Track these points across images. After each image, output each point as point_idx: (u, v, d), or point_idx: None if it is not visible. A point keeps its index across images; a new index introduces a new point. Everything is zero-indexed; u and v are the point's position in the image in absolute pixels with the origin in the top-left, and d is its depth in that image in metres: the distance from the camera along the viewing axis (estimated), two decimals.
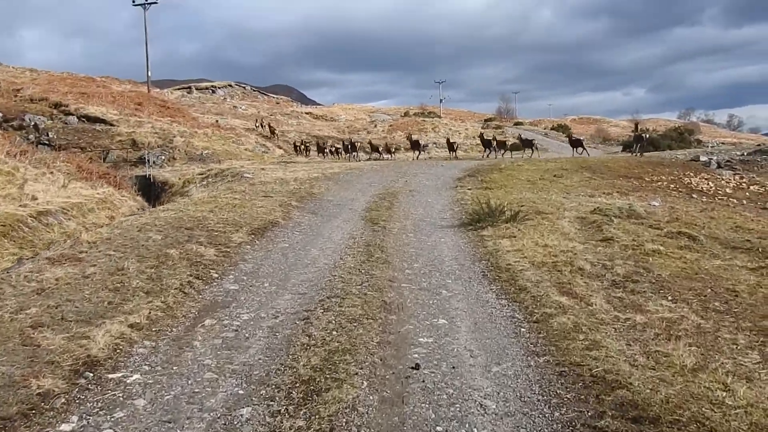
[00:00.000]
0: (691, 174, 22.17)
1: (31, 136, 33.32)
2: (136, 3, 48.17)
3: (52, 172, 18.87)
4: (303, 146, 39.40)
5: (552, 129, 67.25)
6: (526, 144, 34.74)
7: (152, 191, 25.99)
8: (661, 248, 9.73)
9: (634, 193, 18.02)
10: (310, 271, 7.92)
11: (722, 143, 58.46)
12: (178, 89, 75.30)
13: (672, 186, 20.05)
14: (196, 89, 76.48)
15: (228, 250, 8.68)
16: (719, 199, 18.74)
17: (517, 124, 75.86)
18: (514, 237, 9.86)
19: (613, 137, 71.07)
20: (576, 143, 33.43)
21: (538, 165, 23.20)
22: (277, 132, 45.64)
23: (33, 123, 34.03)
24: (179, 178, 25.38)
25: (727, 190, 20.01)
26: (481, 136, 38.32)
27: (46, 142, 32.89)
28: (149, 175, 27.23)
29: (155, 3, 48.13)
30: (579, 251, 9.15)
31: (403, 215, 12.53)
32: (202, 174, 24.70)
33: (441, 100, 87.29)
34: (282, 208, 12.55)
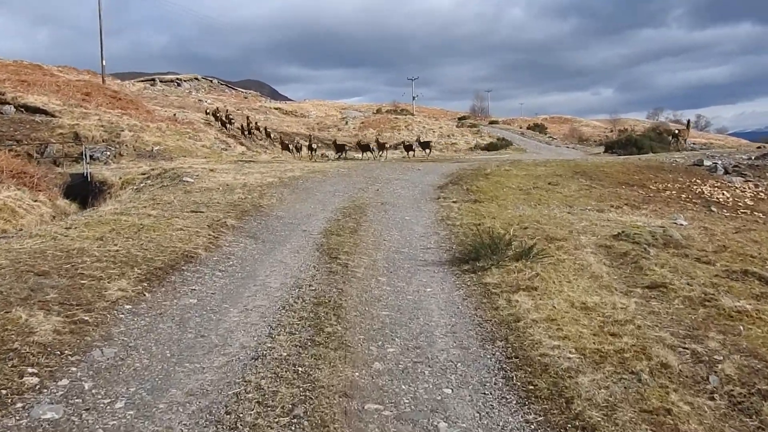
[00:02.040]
0: (698, 181, 19.20)
1: None
2: None
3: None
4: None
5: (528, 128, 64.45)
6: (424, 146, 36.53)
7: (90, 192, 22.29)
8: (745, 305, 6.56)
9: (645, 206, 14.95)
10: (211, 368, 4.52)
11: (693, 143, 56.27)
12: (141, 81, 70.61)
13: (684, 196, 17.03)
14: (161, 81, 71.85)
15: (87, 317, 5.23)
16: (742, 212, 15.76)
17: (492, 122, 72.90)
18: (534, 289, 6.56)
19: (587, 137, 68.68)
20: (425, 145, 36.41)
21: (528, 170, 20.03)
22: (259, 130, 41.80)
23: None
24: (120, 178, 21.64)
25: (747, 201, 17.05)
26: (358, 142, 36.37)
27: None
28: (87, 173, 23.44)
29: None
30: (636, 315, 5.92)
31: (372, 242, 9.17)
32: (144, 174, 20.99)
33: (414, 98, 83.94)
34: (210, 231, 9.09)
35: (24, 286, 5.69)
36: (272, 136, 40.69)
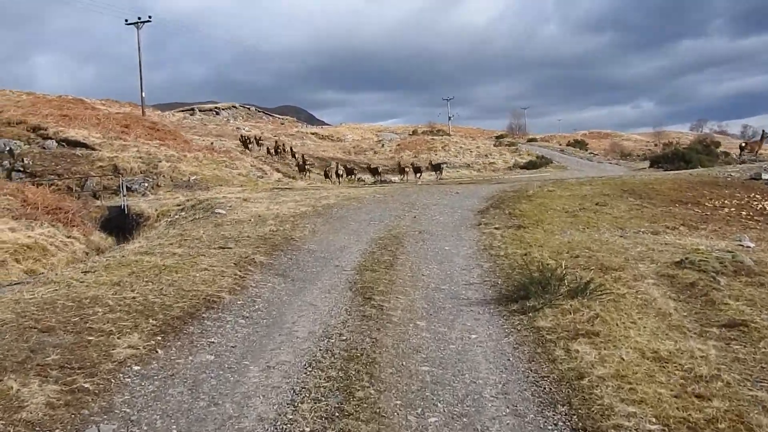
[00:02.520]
0: (758, 196, 17.91)
1: (6, 162, 29.76)
2: (129, 22, 44.79)
3: None
4: (335, 172, 35.35)
5: (568, 145, 62.98)
6: (435, 168, 36.66)
7: (127, 224, 22.14)
8: None
9: (703, 226, 13.88)
10: None
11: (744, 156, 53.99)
12: (181, 111, 71.76)
13: (744, 213, 15.83)
14: (200, 111, 72.91)
15: (88, 384, 4.59)
16: None
17: (530, 140, 71.60)
18: (596, 335, 5.71)
19: (630, 151, 66.79)
20: (436, 167, 36.47)
21: (572, 189, 19.05)
22: (285, 150, 41.82)
23: (8, 148, 30.33)
24: (156, 210, 21.41)
25: None
26: (398, 165, 38.45)
27: (21, 169, 29.22)
28: (124, 205, 23.31)
29: (149, 21, 44.69)
30: (720, 365, 5.03)
31: (410, 278, 8.42)
32: (179, 205, 20.69)
33: (450, 118, 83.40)
34: (237, 270, 8.47)
35: (24, 346, 5.11)
36: (308, 161, 40.38)
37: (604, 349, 5.34)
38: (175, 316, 6.28)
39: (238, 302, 7.16)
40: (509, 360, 5.39)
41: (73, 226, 16.76)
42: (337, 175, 34.96)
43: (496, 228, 12.27)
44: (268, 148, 40.76)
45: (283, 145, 42.72)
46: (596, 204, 15.99)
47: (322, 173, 40.01)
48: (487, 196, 18.07)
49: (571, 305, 6.57)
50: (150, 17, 44.82)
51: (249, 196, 21.37)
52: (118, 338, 5.49)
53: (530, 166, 45.03)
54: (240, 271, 8.49)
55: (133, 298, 6.66)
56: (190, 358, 5.37)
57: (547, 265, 8.25)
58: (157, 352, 5.40)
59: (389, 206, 16.20)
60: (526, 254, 9.34)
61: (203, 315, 6.50)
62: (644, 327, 6.08)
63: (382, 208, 15.73)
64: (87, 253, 14.86)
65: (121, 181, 25.68)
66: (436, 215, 14.45)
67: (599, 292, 6.96)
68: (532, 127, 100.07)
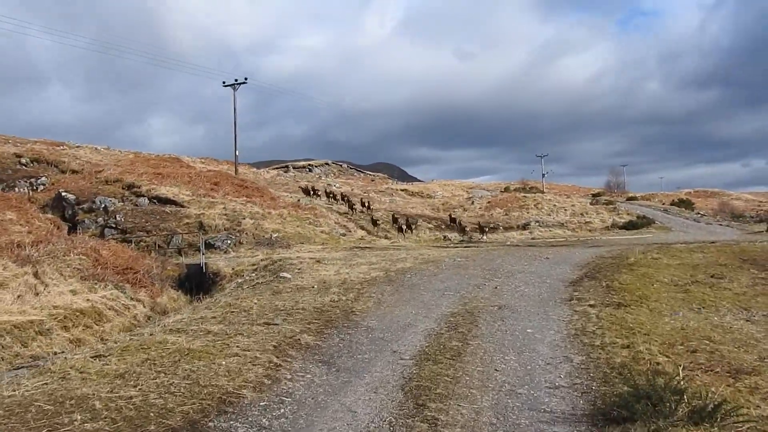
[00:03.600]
0: None
1: (100, 219, 30.53)
2: (226, 84, 46.20)
3: (52, 271, 14.64)
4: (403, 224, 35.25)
5: (672, 204, 58.69)
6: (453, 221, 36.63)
7: (204, 283, 21.62)
8: None
9: None
10: None
11: None
12: (275, 168, 73.36)
13: None
14: (293, 168, 74.26)
15: None
16: None
17: (630, 198, 67.53)
18: None
19: (741, 211, 61.39)
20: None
21: (680, 257, 16.66)
22: (367, 206, 41.26)
23: (103, 205, 31.17)
24: (232, 269, 20.76)
25: None
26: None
27: (113, 226, 29.85)
28: (202, 263, 22.88)
29: (244, 83, 45.91)
30: None
31: (479, 375, 6.73)
32: (254, 265, 19.90)
33: (544, 175, 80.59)
34: (273, 356, 7.11)
35: None
36: (397, 218, 39.30)
37: None
38: (172, 426, 4.95)
39: (261, 403, 5.75)
40: None
41: (142, 287, 16.17)
42: (400, 230, 34.46)
43: (590, 305, 10.34)
44: (350, 204, 40.26)
45: (368, 205, 41.96)
46: (711, 276, 13.65)
47: (408, 230, 38.84)
48: (582, 262, 16.04)
49: None
50: (246, 79, 46.06)
51: (324, 256, 20.32)
52: None
53: (630, 226, 41.83)
54: (277, 357, 7.12)
55: (130, 398, 5.40)
56: None
57: (658, 366, 6.38)
58: None
59: (469, 272, 14.53)
60: (628, 346, 7.44)
61: (208, 425, 5.12)
62: None
63: (461, 275, 14.09)
64: (149, 318, 14.08)
65: (200, 239, 25.44)
66: (520, 286, 12.64)
67: (733, 417, 5.03)
68: (632, 185, 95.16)
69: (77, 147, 51.74)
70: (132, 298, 14.92)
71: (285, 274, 14.44)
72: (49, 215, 26.37)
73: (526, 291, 12.04)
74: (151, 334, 7.99)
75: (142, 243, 28.13)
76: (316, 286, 12.63)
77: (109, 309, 13.12)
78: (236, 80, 45.78)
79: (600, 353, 7.35)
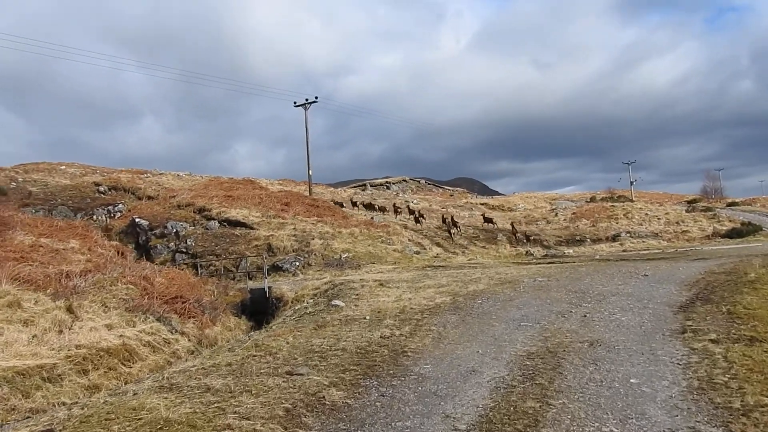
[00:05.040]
0: None
1: (171, 245, 29.99)
2: (297, 104, 45.51)
3: (92, 304, 13.50)
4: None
5: None
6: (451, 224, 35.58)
7: (268, 308, 20.22)
8: None
9: None
10: None
11: None
12: (353, 187, 72.44)
13: None
14: (371, 186, 73.09)
15: None
16: None
17: (730, 204, 61.82)
18: None
19: None
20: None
21: None
22: (457, 223, 39.14)
23: (174, 230, 30.67)
24: (296, 293, 19.24)
25: None
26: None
27: (184, 250, 29.23)
28: (266, 288, 21.52)
29: (315, 102, 45.03)
30: None
31: None
32: (316, 289, 18.25)
33: (632, 183, 75.53)
34: (281, 426, 5.25)
35: None
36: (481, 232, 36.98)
37: None
38: None
39: None
40: None
41: (191, 317, 14.80)
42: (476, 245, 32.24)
43: (712, 340, 7.86)
44: (417, 218, 38.39)
45: (452, 219, 39.84)
46: None
47: (487, 245, 36.41)
48: (689, 280, 13.33)
49: None
50: (316, 98, 45.19)
51: (392, 277, 18.42)
52: None
53: (734, 234, 37.57)
54: (286, 428, 5.23)
55: None
56: None
57: None
58: None
59: (551, 296, 12.19)
60: None
61: None
62: None
63: (542, 300, 11.77)
64: (193, 352, 12.60)
65: (263, 262, 24.15)
66: (615, 313, 10.20)
67: None
68: (728, 190, 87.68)
69: (160, 174, 52.55)
70: (176, 331, 13.52)
71: (338, 302, 12.62)
72: (115, 242, 25.82)
73: (624, 320, 9.61)
74: (135, 393, 6.27)
75: (211, 267, 27.31)
76: (368, 317, 10.71)
77: (145, 345, 11.70)
78: (306, 99, 45.03)
79: (744, 424, 5.00)
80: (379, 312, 11.16)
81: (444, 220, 40.47)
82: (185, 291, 16.91)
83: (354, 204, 45.77)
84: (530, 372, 6.93)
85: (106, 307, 13.79)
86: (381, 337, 9.00)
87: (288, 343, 8.62)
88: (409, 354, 8.00)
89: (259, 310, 20.25)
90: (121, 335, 11.53)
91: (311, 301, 15.63)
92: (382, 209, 43.52)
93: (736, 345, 7.55)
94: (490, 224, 40.94)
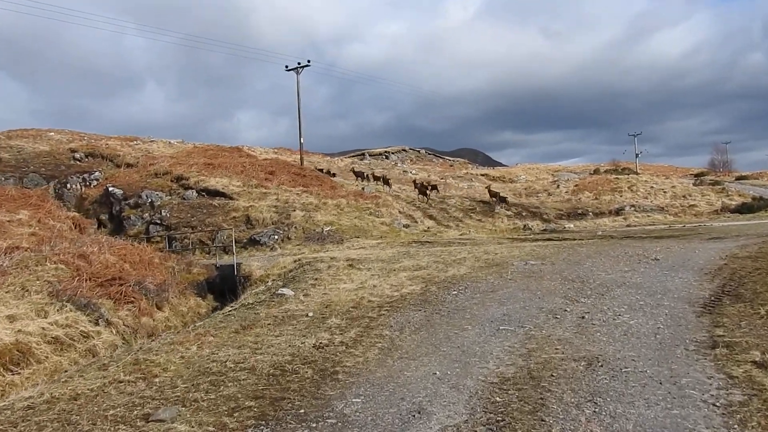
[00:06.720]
0: None
1: (146, 215, 27.75)
2: (288, 68, 42.76)
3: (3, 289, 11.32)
4: None
5: None
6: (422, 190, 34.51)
7: (237, 286, 18.05)
8: None
9: None
10: None
11: None
12: (351, 156, 69.86)
13: None
14: (369, 155, 70.45)
15: None
16: None
17: (740, 178, 59.02)
18: None
19: None
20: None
21: None
22: (430, 193, 36.37)
23: (149, 200, 28.39)
24: (265, 271, 17.05)
25: None
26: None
27: (158, 221, 26.94)
28: (235, 264, 19.33)
29: (308, 66, 42.29)
30: None
31: None
32: (285, 268, 16.06)
33: (637, 155, 72.55)
34: None
35: None
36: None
37: None
38: None
39: None
40: None
41: (128, 302, 12.62)
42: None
43: (757, 364, 5.58)
44: (422, 189, 35.96)
45: (432, 187, 37.29)
46: None
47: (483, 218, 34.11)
48: (708, 266, 11.02)
49: None
50: (309, 62, 42.46)
51: (368, 255, 16.17)
52: None
53: (745, 209, 35.10)
54: None
55: None
56: None
57: None
58: None
59: (543, 286, 9.90)
60: None
61: None
62: None
63: (531, 292, 9.49)
64: (117, 347, 10.44)
65: (233, 235, 21.95)
66: (622, 313, 7.92)
67: None
68: (736, 163, 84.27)
69: (151, 141, 50.15)
70: (103, 321, 11.33)
71: (286, 291, 10.39)
72: (74, 213, 23.63)
73: (633, 324, 7.33)
74: None
75: (186, 240, 25.15)
76: (312, 314, 8.48)
77: (50, 342, 9.52)
78: (299, 63, 42.30)
79: None
80: (328, 306, 8.92)
81: (416, 185, 38.08)
82: (140, 270, 14.74)
83: (360, 175, 43.22)
84: (499, 418, 4.69)
85: (26, 291, 11.62)
86: (314, 346, 6.77)
87: (183, 358, 6.39)
88: (341, 376, 5.77)
89: (231, 288, 18.13)
90: (19, 330, 9.36)
91: (263, 287, 13.41)
92: (378, 179, 41.06)
93: None
94: (494, 198, 38.41)
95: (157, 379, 5.68)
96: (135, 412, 4.80)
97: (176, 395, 5.20)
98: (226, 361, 6.19)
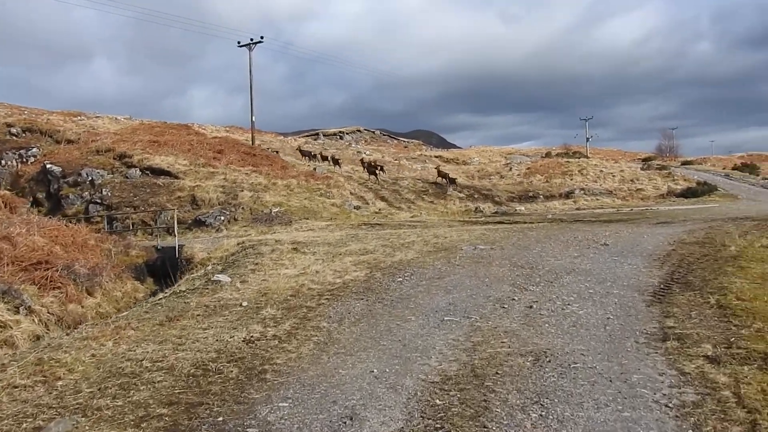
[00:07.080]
0: None
1: (86, 194, 26.41)
2: (241, 44, 41.33)
3: None
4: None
5: (734, 168, 51.67)
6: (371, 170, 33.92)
7: (178, 270, 17.20)
8: None
9: None
10: None
11: None
12: (304, 136, 68.59)
13: None
14: (324, 135, 69.35)
15: None
16: None
17: (685, 163, 60.38)
18: None
19: None
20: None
21: None
22: (378, 173, 35.80)
23: (90, 178, 27.03)
24: (208, 254, 16.28)
25: None
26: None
27: (99, 201, 25.68)
28: (176, 247, 18.48)
29: (260, 42, 40.96)
30: None
31: None
32: (226, 251, 15.36)
33: (588, 139, 73.54)
34: None
35: None
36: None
37: None
38: None
39: None
40: None
41: (55, 288, 11.76)
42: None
43: (709, 358, 5.30)
44: (369, 168, 35.46)
45: (378, 167, 36.75)
46: None
47: (435, 200, 33.86)
48: (657, 252, 10.87)
49: None
50: (262, 38, 41.10)
51: (315, 238, 15.61)
52: None
53: (689, 194, 35.85)
54: None
55: None
56: None
57: None
58: None
59: (491, 272, 9.54)
60: None
61: None
62: None
63: (479, 278, 9.12)
64: (39, 337, 9.63)
65: (174, 216, 21.03)
66: (571, 302, 7.60)
67: None
68: (682, 149, 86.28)
69: (96, 117, 47.91)
70: (26, 308, 10.48)
71: (222, 277, 9.75)
72: (4, 192, 22.24)
73: (582, 314, 7.01)
74: None
75: (127, 221, 24.03)
76: (246, 303, 7.90)
77: None
78: (251, 39, 40.91)
79: None
80: (265, 294, 8.36)
81: (363, 164, 37.61)
82: (73, 252, 13.81)
83: (307, 155, 42.37)
84: (438, 425, 4.25)
85: None
86: (244, 340, 6.21)
87: (94, 356, 5.75)
88: (269, 376, 5.24)
89: (174, 271, 17.29)
90: None
91: (201, 272, 12.71)
92: (326, 158, 40.29)
93: (746, 368, 5.02)
94: (444, 179, 38.12)
95: (59, 383, 5.03)
96: (24, 425, 4.17)
97: (78, 402, 4.58)
98: (142, 360, 5.58)
